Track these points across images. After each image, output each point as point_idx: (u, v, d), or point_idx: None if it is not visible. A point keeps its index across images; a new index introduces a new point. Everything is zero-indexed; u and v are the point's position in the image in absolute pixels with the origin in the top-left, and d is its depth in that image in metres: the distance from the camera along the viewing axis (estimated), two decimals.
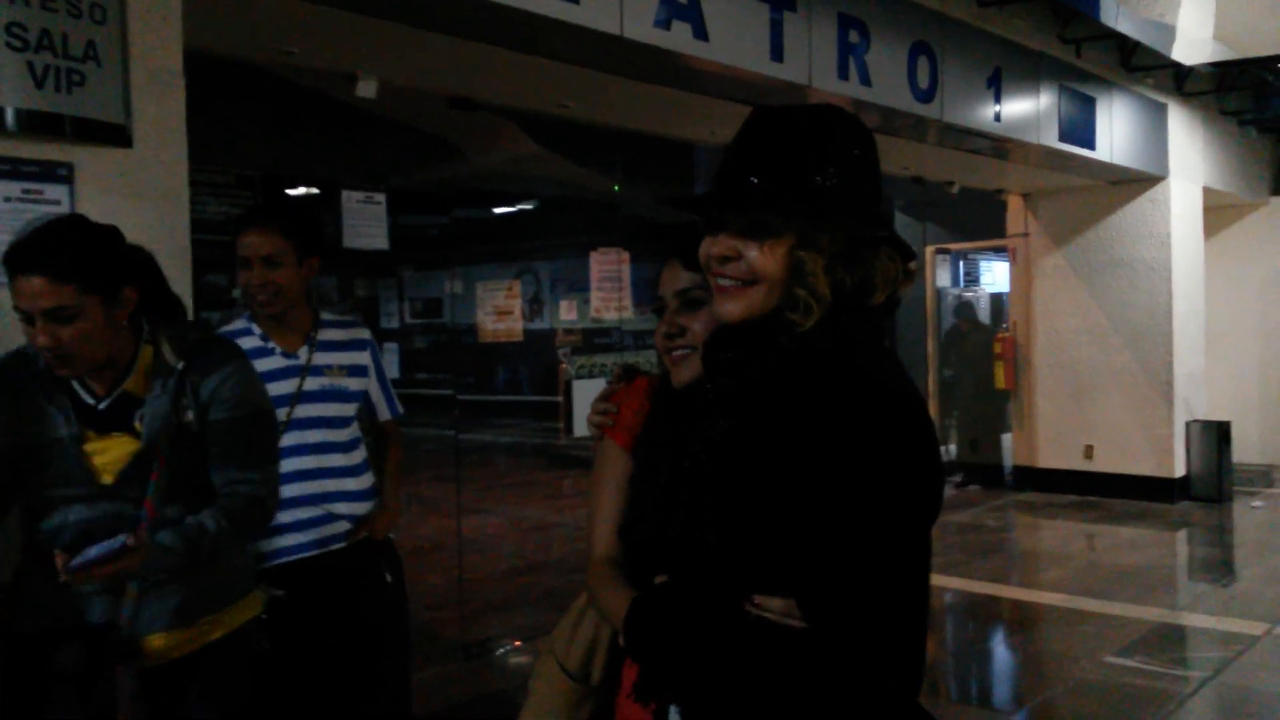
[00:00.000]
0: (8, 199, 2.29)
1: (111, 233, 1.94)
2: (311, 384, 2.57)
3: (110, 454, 1.91)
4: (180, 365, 1.95)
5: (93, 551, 1.76)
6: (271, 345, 2.57)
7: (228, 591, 2.07)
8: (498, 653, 4.72)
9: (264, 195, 3.83)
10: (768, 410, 1.21)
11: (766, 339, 1.24)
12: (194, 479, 1.98)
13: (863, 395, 1.16)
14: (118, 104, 2.46)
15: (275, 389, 2.53)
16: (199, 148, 2.69)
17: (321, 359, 2.61)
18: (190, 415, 1.95)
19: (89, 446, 1.91)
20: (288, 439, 2.54)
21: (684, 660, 1.24)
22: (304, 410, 2.56)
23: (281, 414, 2.52)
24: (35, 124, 2.32)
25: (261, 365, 2.53)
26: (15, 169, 2.30)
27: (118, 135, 2.46)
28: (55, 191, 2.36)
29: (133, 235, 2.48)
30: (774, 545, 1.16)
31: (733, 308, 1.25)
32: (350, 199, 4.17)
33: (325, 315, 2.68)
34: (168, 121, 2.58)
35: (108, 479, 1.91)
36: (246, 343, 2.56)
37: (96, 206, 2.43)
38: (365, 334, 2.76)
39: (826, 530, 1.13)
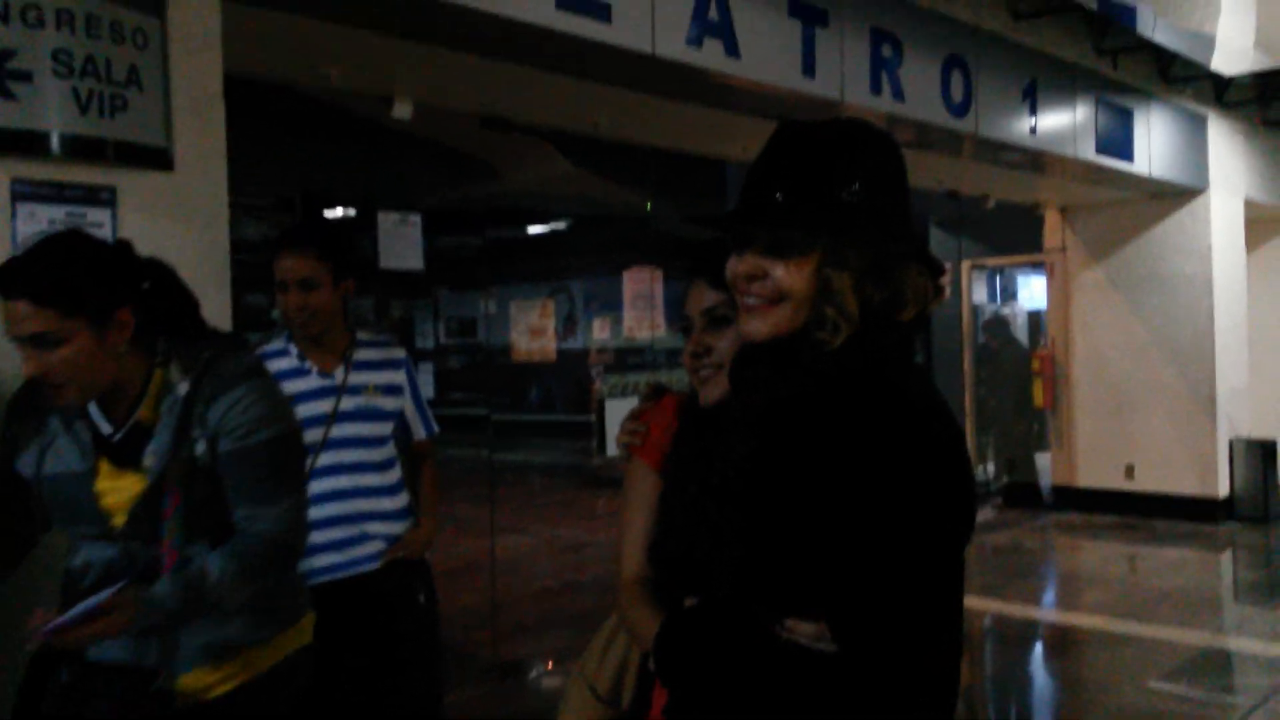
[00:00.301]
0: (52, 221, 2.33)
1: (110, 250, 1.80)
2: (347, 404, 2.59)
3: (121, 493, 1.76)
4: (185, 390, 1.77)
5: (72, 612, 1.59)
6: (308, 365, 2.60)
7: (272, 617, 1.88)
8: (530, 674, 4.71)
9: (301, 217, 3.88)
10: (796, 429, 1.19)
11: (794, 357, 1.22)
12: (218, 515, 1.79)
13: (893, 414, 1.14)
14: (159, 128, 2.50)
15: (312, 409, 2.56)
16: (238, 170, 2.74)
17: (357, 379, 2.63)
18: (201, 446, 1.76)
19: (100, 484, 1.76)
20: (323, 459, 2.56)
21: (714, 684, 1.23)
22: (340, 430, 2.58)
23: (318, 434, 2.55)
24: (79, 148, 2.37)
25: (298, 385, 2.56)
26: (59, 193, 2.35)
27: (160, 159, 2.51)
28: (98, 215, 2.41)
29: (173, 257, 2.52)
30: (803, 566, 1.15)
31: (759, 326, 1.24)
32: (386, 220, 4.22)
33: (361, 335, 2.71)
34: (208, 144, 2.63)
35: (119, 520, 1.76)
36: (283, 363, 2.59)
37: (138, 229, 2.47)
38: (401, 353, 2.78)
39: (857, 552, 1.11)
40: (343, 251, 2.64)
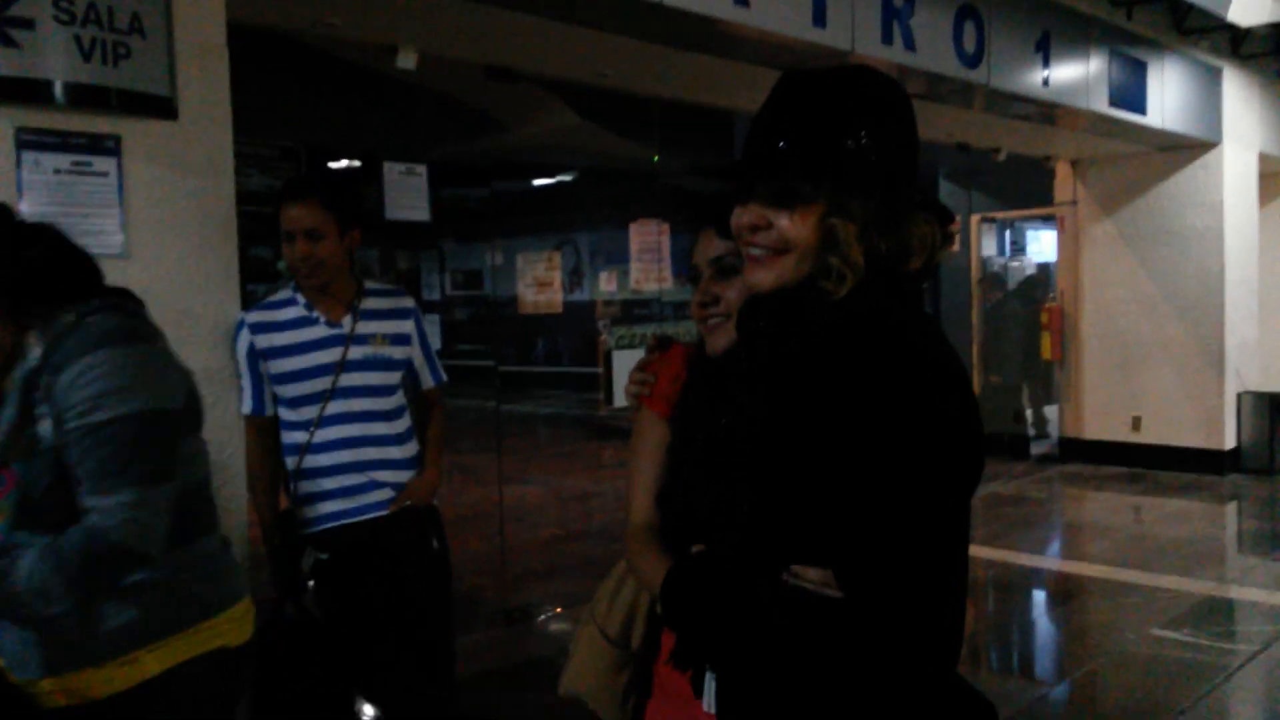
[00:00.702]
0: (57, 171, 2.33)
1: None
2: (355, 353, 2.61)
3: None
4: (35, 359, 1.57)
5: None
6: (316, 315, 2.60)
7: (172, 611, 1.64)
8: (539, 619, 4.78)
9: (306, 167, 3.86)
10: (802, 379, 1.19)
11: (799, 307, 1.22)
12: (66, 505, 1.56)
13: (899, 362, 1.14)
14: (163, 77, 2.49)
15: (319, 358, 2.57)
16: (242, 120, 2.72)
17: (365, 328, 2.64)
18: (46, 424, 1.55)
19: None
20: (331, 407, 2.59)
21: (720, 629, 1.25)
22: (348, 379, 2.60)
23: (325, 383, 2.57)
24: (82, 96, 2.36)
25: (305, 335, 2.57)
26: (64, 141, 2.34)
27: (164, 108, 2.50)
28: (103, 163, 2.40)
29: (179, 206, 2.54)
30: (809, 514, 1.15)
31: (764, 277, 1.23)
32: (392, 171, 4.19)
33: (369, 285, 2.71)
34: (212, 94, 2.61)
35: None
36: (291, 312, 2.60)
37: (144, 178, 2.47)
38: (409, 303, 2.78)
39: (863, 499, 1.12)
40: (348, 201, 2.64)
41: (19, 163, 2.28)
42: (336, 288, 2.63)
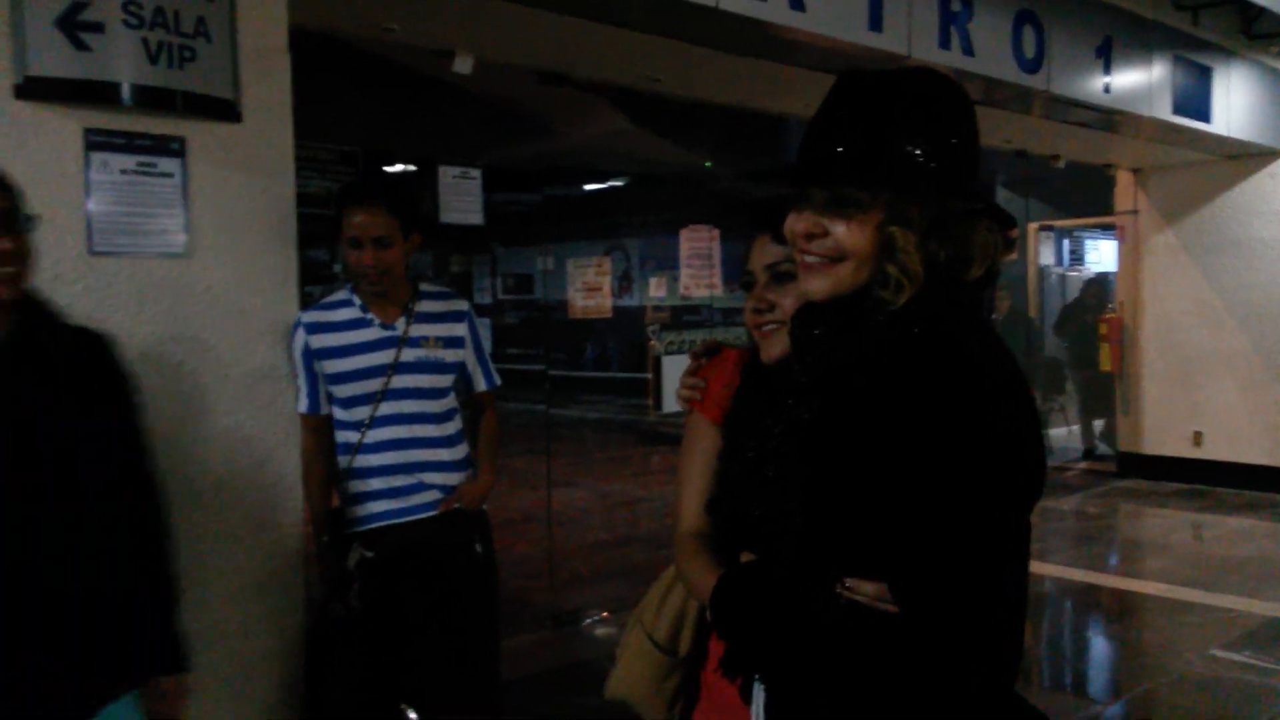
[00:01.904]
0: (124, 171, 2.38)
1: None
2: (408, 355, 2.63)
3: None
4: None
5: None
6: (370, 317, 2.63)
7: None
8: (585, 623, 4.78)
9: (365, 172, 3.92)
10: (857, 389, 1.17)
11: (855, 316, 1.19)
12: None
13: (957, 373, 1.11)
14: (227, 79, 2.53)
15: (372, 359, 2.60)
16: (302, 123, 2.76)
17: (418, 330, 2.66)
18: None
19: None
20: (383, 408, 2.61)
21: (770, 640, 1.23)
22: (400, 380, 2.62)
23: (378, 384, 2.60)
24: (149, 98, 2.40)
25: (360, 336, 2.60)
26: (130, 143, 2.39)
27: (227, 110, 2.54)
28: (169, 164, 2.45)
29: (241, 208, 2.58)
30: (864, 527, 1.13)
31: (819, 285, 1.21)
32: (446, 175, 4.24)
33: (424, 287, 2.74)
34: (274, 97, 2.65)
35: None
36: (346, 314, 2.63)
37: (207, 180, 2.51)
38: (463, 305, 2.80)
39: (920, 513, 1.09)
40: (411, 206, 2.67)
41: (87, 163, 2.34)
42: (392, 290, 2.66)
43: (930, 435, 1.09)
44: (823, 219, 1.19)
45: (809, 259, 1.21)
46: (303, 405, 2.66)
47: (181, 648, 1.88)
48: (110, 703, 1.75)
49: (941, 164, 1.17)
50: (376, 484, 2.62)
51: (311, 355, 2.62)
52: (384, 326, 2.64)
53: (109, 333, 1.90)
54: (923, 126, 1.17)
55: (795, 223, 1.22)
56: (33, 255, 1.72)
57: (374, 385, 2.61)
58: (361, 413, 2.61)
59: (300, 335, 2.62)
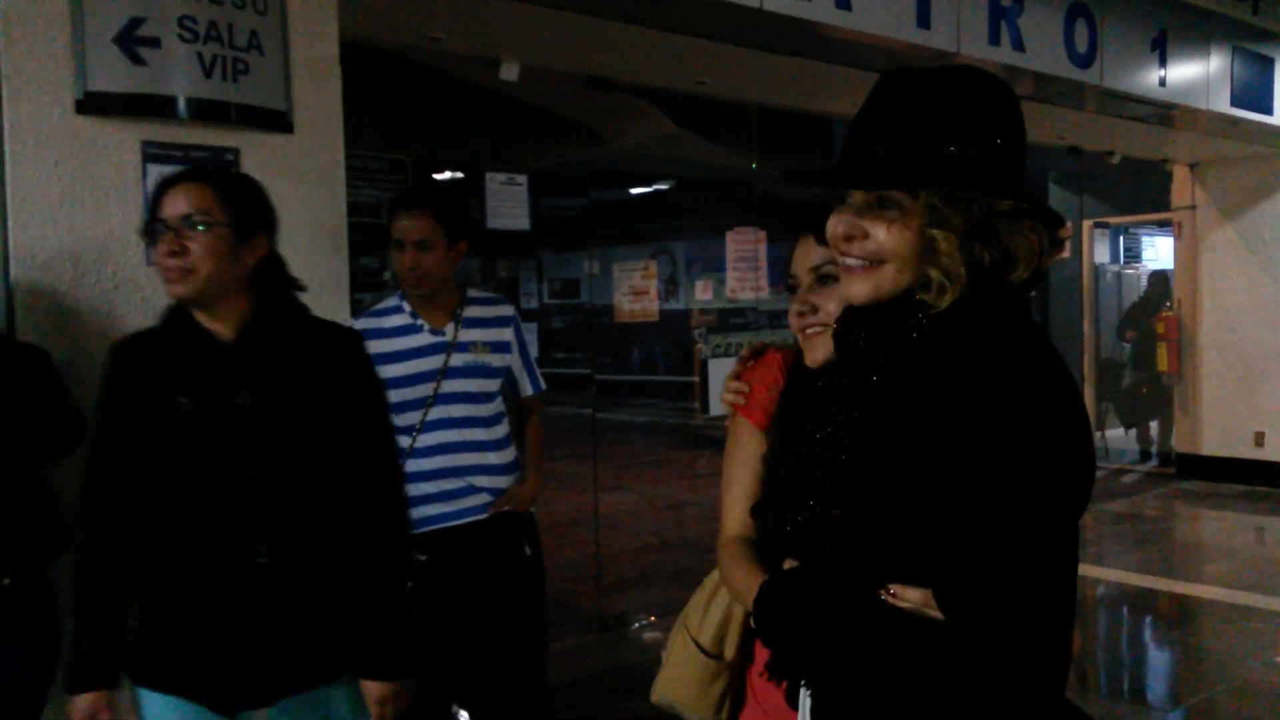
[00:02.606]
0: None
1: None
2: (457, 360, 2.66)
3: None
4: None
5: None
6: (420, 323, 2.67)
7: None
8: (632, 626, 4.79)
9: (415, 180, 3.97)
10: (902, 393, 1.15)
11: (897, 320, 1.17)
12: None
13: (1001, 377, 1.09)
14: (279, 91, 2.59)
15: (422, 365, 2.63)
16: (352, 133, 2.81)
17: (467, 335, 2.69)
18: None
19: None
20: (433, 413, 2.65)
21: (815, 647, 1.22)
22: (449, 385, 2.65)
23: (428, 389, 2.63)
24: (204, 111, 2.47)
25: (410, 342, 2.64)
26: (186, 154, 2.45)
27: (280, 121, 2.59)
28: None
29: (293, 218, 2.61)
30: (910, 533, 1.12)
31: (860, 289, 1.18)
32: (493, 181, 4.28)
33: (472, 293, 2.77)
34: (325, 108, 2.70)
35: None
36: (396, 320, 2.67)
37: None
38: (510, 310, 2.83)
39: (965, 519, 1.07)
40: (458, 213, 2.71)
41: (145, 175, 2.40)
42: (441, 296, 2.70)
43: (971, 439, 1.07)
44: (863, 221, 1.17)
45: (850, 261, 1.19)
46: None
47: (392, 655, 1.84)
48: (329, 685, 1.81)
49: (985, 164, 1.14)
50: (427, 488, 2.66)
51: None
52: (433, 332, 2.68)
53: (356, 329, 1.98)
54: (965, 126, 1.15)
55: (835, 225, 1.20)
56: (198, 257, 1.69)
57: (424, 390, 2.64)
58: (412, 418, 2.65)
59: None
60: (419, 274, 2.62)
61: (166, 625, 1.75)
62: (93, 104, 2.34)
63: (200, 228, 1.67)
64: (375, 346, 2.61)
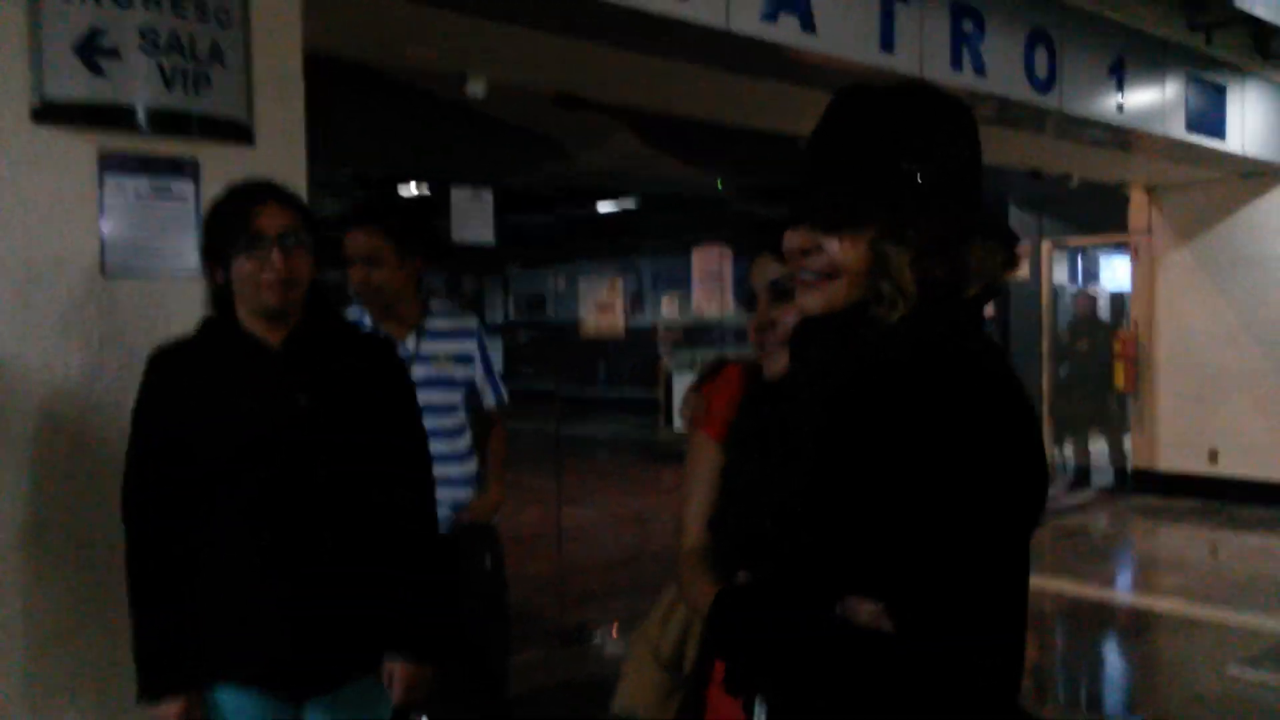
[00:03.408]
0: (139, 195, 2.42)
1: None
2: (418, 372, 2.65)
3: None
4: None
5: None
6: (381, 335, 2.66)
7: None
8: (594, 640, 4.77)
9: (370, 195, 3.96)
10: (854, 407, 1.16)
11: (850, 333, 1.19)
12: None
13: (951, 389, 1.10)
14: (241, 103, 2.57)
15: None
16: (317, 147, 2.80)
17: (429, 348, 2.69)
18: None
19: None
20: None
21: (767, 657, 1.22)
22: None
23: None
24: (164, 122, 2.44)
25: None
26: (145, 165, 2.43)
27: (241, 133, 2.58)
28: (182, 187, 2.48)
29: None
30: (862, 546, 1.12)
31: (813, 301, 1.20)
32: (459, 195, 4.28)
33: (435, 305, 2.76)
34: (288, 120, 2.69)
35: None
36: None
37: None
38: (473, 323, 2.83)
39: (916, 532, 1.08)
40: (411, 230, 2.70)
41: (101, 186, 2.37)
42: (401, 309, 2.69)
43: (918, 452, 1.08)
44: (817, 235, 1.19)
45: (804, 275, 1.21)
46: None
47: (423, 639, 1.92)
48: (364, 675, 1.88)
49: (938, 181, 1.16)
50: None
51: None
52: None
53: (390, 338, 2.08)
54: (919, 143, 1.16)
55: (791, 239, 1.22)
56: (300, 271, 1.81)
57: None
58: None
59: None
60: (370, 289, 2.64)
61: (230, 620, 1.80)
62: (49, 113, 2.31)
63: (300, 243, 1.80)
64: None
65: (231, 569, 1.80)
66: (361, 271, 2.63)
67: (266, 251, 1.77)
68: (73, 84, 2.32)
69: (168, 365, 1.84)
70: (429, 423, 2.64)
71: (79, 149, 2.35)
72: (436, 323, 2.74)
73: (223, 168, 2.55)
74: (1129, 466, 8.47)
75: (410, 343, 2.68)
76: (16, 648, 2.24)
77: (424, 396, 2.61)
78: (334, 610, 1.81)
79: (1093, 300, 9.21)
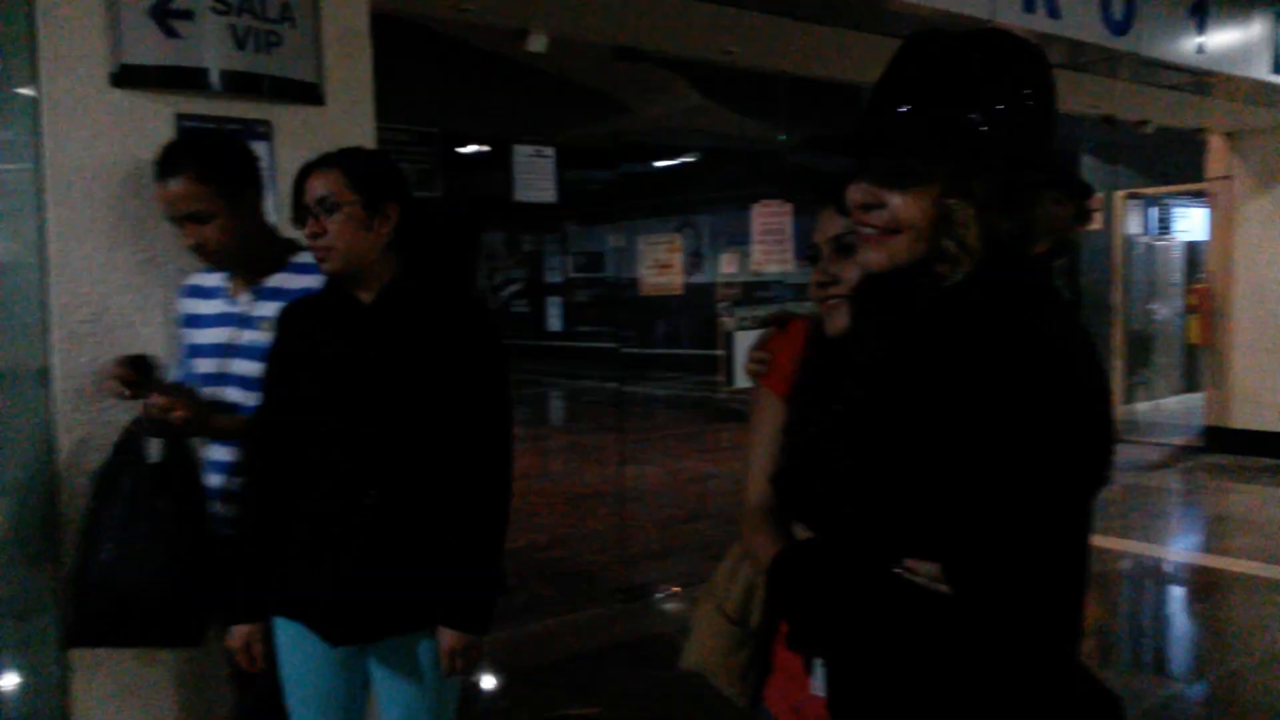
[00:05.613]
0: None
1: None
2: (245, 337, 2.21)
3: None
4: None
5: None
6: (224, 286, 2.26)
7: None
8: (656, 597, 4.84)
9: (441, 151, 3.96)
10: (911, 365, 1.14)
11: (912, 290, 1.16)
12: None
13: (1014, 349, 1.08)
14: (311, 64, 2.61)
15: (212, 336, 2.25)
16: (381, 105, 2.83)
17: (263, 309, 2.19)
18: None
19: None
20: (222, 397, 2.21)
21: (825, 617, 1.22)
22: (237, 366, 2.20)
23: (213, 365, 2.24)
24: (237, 83, 2.49)
25: (209, 307, 2.29)
26: (220, 126, 2.48)
27: (311, 94, 2.62)
28: (256, 148, 2.49)
29: None
30: (919, 504, 1.11)
31: (876, 257, 1.17)
32: (521, 153, 4.29)
33: (295, 259, 2.23)
34: (356, 80, 2.72)
35: None
36: (216, 279, 2.29)
37: (292, 162, 2.58)
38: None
39: (975, 491, 1.07)
40: (230, 168, 2.17)
41: None
42: (250, 261, 2.20)
43: (981, 411, 1.06)
44: (880, 189, 1.15)
45: (867, 230, 1.18)
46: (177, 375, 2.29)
47: (470, 607, 1.91)
48: (420, 632, 1.92)
49: (1006, 133, 1.11)
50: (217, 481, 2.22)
51: (181, 321, 2.32)
52: (229, 300, 2.22)
53: (480, 301, 2.10)
54: (987, 93, 1.11)
55: (853, 193, 1.18)
56: (337, 233, 1.85)
57: (209, 367, 2.21)
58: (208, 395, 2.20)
59: (178, 299, 2.34)
60: (208, 252, 2.17)
61: (285, 556, 1.90)
62: (128, 76, 2.37)
63: (333, 209, 1.84)
64: (188, 305, 2.30)
65: (299, 511, 1.90)
66: (192, 227, 2.14)
67: (308, 222, 1.87)
68: (149, 47, 2.37)
69: (287, 318, 1.98)
70: (244, 398, 2.16)
71: (157, 111, 2.41)
72: (283, 280, 2.18)
73: (294, 129, 2.60)
74: (1202, 423, 8.26)
75: (243, 301, 2.19)
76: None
77: (248, 367, 2.14)
78: (372, 562, 1.85)
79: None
